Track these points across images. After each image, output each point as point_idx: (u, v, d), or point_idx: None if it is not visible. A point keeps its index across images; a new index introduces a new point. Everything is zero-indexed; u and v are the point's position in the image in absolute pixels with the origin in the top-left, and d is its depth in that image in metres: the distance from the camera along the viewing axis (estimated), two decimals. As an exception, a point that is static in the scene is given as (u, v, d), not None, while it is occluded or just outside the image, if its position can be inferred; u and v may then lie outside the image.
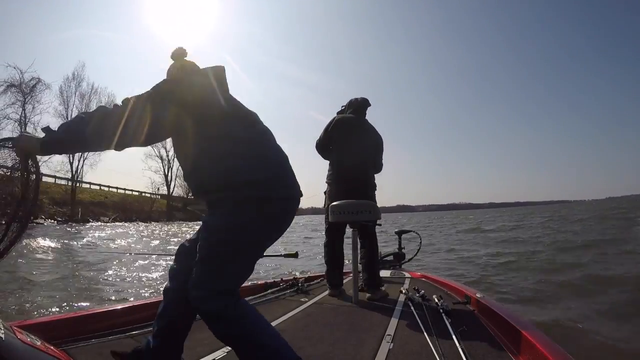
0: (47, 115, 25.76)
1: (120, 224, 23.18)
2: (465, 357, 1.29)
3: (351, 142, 2.68)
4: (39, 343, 1.02)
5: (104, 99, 28.44)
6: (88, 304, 3.65)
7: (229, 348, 1.48)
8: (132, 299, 3.83)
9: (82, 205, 25.47)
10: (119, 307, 1.91)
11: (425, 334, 1.56)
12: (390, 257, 3.41)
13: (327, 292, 2.59)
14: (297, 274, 4.22)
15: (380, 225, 2.61)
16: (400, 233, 3.51)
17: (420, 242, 3.45)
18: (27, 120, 23.11)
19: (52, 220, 21.36)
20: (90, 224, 21.77)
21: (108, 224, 23.01)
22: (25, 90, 23.05)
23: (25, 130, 22.63)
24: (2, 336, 0.84)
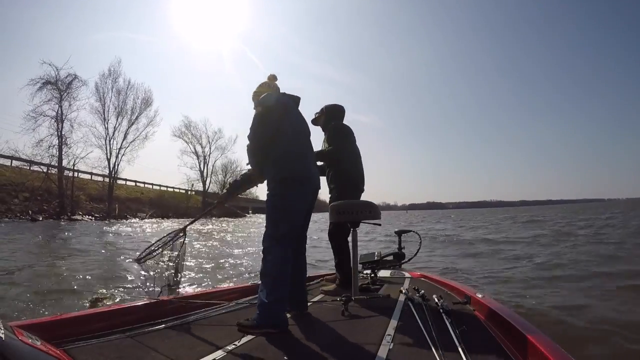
0: (84, 112, 25.43)
1: (165, 221, 22.86)
2: (465, 357, 1.29)
3: (356, 149, 2.82)
4: (39, 343, 1.02)
5: (141, 94, 27.97)
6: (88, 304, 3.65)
7: (229, 347, 1.49)
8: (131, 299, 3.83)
9: (118, 202, 25.29)
10: (119, 307, 1.91)
11: (425, 334, 1.55)
12: (390, 257, 3.41)
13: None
14: None
15: (380, 225, 2.62)
16: (400, 233, 3.50)
17: (420, 242, 3.43)
18: (64, 117, 22.73)
19: (90, 217, 21.19)
20: (129, 221, 21.62)
21: (146, 220, 22.95)
22: (62, 87, 22.69)
23: (62, 127, 22.58)
24: (2, 336, 0.84)
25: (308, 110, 2.99)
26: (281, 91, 2.15)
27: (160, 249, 2.25)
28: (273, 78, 2.23)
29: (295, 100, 2.14)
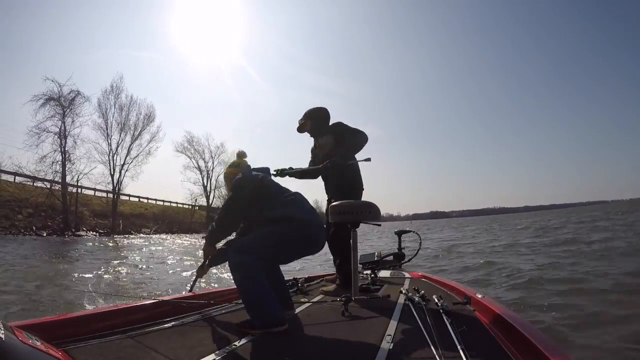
0: (87, 128, 25.32)
1: (170, 237, 22.93)
2: (465, 357, 1.29)
3: None
4: (39, 343, 1.02)
5: (144, 110, 27.88)
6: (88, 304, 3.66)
7: (229, 348, 1.49)
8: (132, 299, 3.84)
9: (122, 217, 25.37)
10: (119, 307, 1.91)
11: (425, 334, 1.55)
12: (390, 257, 3.41)
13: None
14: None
15: (379, 225, 2.62)
16: (400, 233, 3.51)
17: (420, 242, 3.44)
18: (67, 133, 22.63)
19: (94, 233, 21.31)
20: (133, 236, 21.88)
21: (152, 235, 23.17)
22: (64, 104, 22.60)
23: (65, 143, 22.63)
24: (2, 336, 0.84)
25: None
26: (252, 167, 2.12)
27: None
28: (242, 155, 2.18)
29: (265, 171, 2.13)
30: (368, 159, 2.73)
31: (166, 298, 2.13)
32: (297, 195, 2.01)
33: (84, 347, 1.42)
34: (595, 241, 9.36)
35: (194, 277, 2.34)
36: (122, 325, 1.68)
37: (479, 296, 2.03)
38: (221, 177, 36.75)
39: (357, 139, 2.68)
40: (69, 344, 1.41)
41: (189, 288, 2.42)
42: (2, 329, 0.87)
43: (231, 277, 1.80)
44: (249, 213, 1.93)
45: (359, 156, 2.73)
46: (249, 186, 1.92)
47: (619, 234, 10.70)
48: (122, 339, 1.54)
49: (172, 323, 1.80)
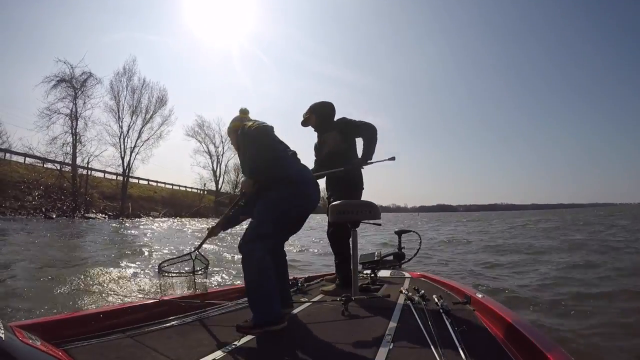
0: (98, 110, 25.75)
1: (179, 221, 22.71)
2: (465, 357, 1.29)
3: None
4: (39, 343, 1.02)
5: (156, 93, 28.17)
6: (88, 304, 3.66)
7: (229, 348, 1.49)
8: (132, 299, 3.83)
9: (131, 200, 25.45)
10: (119, 307, 1.91)
11: (425, 334, 1.55)
12: (390, 257, 3.41)
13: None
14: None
15: (380, 224, 2.61)
16: (400, 233, 3.50)
17: (420, 242, 3.43)
18: (78, 114, 22.89)
19: (103, 215, 21.38)
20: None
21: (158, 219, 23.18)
22: (76, 85, 22.88)
23: (77, 125, 22.83)
24: (2, 336, 0.84)
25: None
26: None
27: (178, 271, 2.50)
28: (245, 112, 2.22)
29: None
30: (392, 158, 2.69)
31: (166, 298, 2.13)
32: (294, 154, 2.08)
33: (84, 346, 1.43)
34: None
35: (205, 236, 2.39)
36: (122, 325, 1.68)
37: (479, 296, 2.03)
38: (231, 162, 36.97)
39: (371, 134, 2.62)
40: (69, 344, 1.41)
41: (197, 244, 2.51)
42: (2, 329, 0.87)
43: (230, 277, 1.81)
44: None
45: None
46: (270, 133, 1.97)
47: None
48: (122, 339, 1.54)
49: (172, 323, 1.80)
